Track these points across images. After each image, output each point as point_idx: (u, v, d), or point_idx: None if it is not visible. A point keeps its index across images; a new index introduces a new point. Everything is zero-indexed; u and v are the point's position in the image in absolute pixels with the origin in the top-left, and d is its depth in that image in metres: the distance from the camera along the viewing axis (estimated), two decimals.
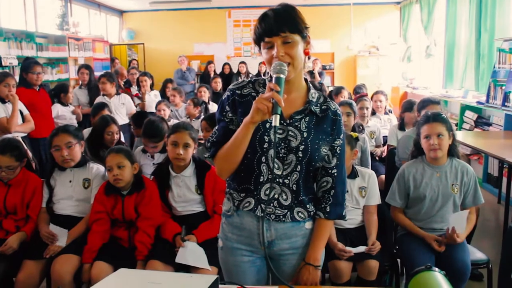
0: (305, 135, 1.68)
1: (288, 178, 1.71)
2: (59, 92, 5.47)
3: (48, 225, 2.81)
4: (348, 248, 2.65)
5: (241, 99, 1.71)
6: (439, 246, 2.64)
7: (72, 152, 2.88)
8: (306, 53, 1.68)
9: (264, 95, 1.52)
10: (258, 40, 1.67)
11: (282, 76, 1.56)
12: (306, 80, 1.77)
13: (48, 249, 2.70)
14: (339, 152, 1.77)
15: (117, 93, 5.60)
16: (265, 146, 1.66)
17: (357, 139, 2.99)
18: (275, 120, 1.50)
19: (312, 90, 1.75)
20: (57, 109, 5.36)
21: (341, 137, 1.76)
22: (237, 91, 1.73)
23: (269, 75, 1.63)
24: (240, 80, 1.82)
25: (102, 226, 2.76)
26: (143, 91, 6.45)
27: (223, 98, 1.77)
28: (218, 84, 7.95)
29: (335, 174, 1.78)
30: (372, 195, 2.89)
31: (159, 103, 5.53)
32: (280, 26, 1.60)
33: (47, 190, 2.93)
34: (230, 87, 1.77)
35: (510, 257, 2.12)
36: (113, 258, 2.64)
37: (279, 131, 1.68)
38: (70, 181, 2.92)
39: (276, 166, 1.69)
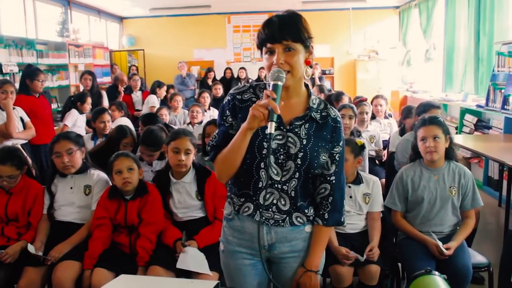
0: (304, 142, 1.69)
1: (287, 184, 1.71)
2: (77, 101, 5.41)
3: (46, 236, 2.84)
4: (352, 254, 2.65)
5: (241, 104, 1.72)
6: (440, 254, 2.63)
7: (72, 158, 2.88)
8: (308, 63, 1.68)
9: (260, 102, 1.53)
10: (260, 45, 1.68)
11: (279, 83, 1.57)
12: (306, 86, 1.78)
13: (49, 254, 2.70)
14: (338, 159, 1.77)
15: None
16: (264, 152, 1.66)
17: (362, 146, 2.98)
18: (271, 128, 1.51)
19: (313, 96, 1.76)
20: (76, 117, 5.29)
21: (340, 144, 1.76)
22: (237, 96, 1.74)
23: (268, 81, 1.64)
24: (241, 85, 1.83)
25: (103, 232, 2.76)
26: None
27: (224, 103, 1.78)
28: (218, 90, 7.96)
29: (333, 181, 1.77)
30: (376, 202, 2.90)
31: (160, 108, 5.55)
32: (283, 33, 1.60)
33: (48, 197, 2.93)
34: (231, 91, 1.78)
35: (511, 260, 2.12)
36: (114, 264, 2.64)
37: (278, 137, 1.69)
38: (71, 188, 2.93)
39: (275, 172, 1.70)
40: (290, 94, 1.71)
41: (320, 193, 1.79)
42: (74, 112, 5.33)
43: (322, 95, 6.26)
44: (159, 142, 3.40)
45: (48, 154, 2.97)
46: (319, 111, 1.74)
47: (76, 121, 5.31)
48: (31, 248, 2.70)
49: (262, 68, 9.79)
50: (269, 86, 1.59)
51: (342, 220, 1.83)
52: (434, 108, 3.80)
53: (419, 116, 3.75)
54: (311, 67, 1.72)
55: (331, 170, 1.77)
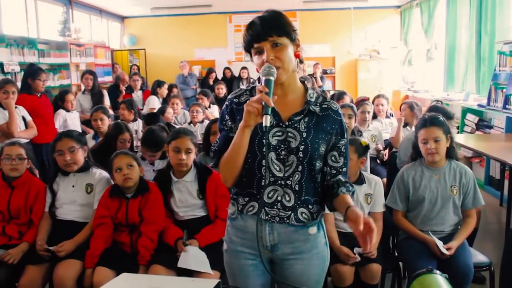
0: (304, 135, 1.70)
1: (290, 179, 1.72)
2: (59, 100, 5.47)
3: (47, 235, 2.85)
4: (353, 253, 2.65)
5: (238, 107, 1.75)
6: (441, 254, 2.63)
7: (74, 156, 2.89)
8: (297, 56, 1.71)
9: (253, 98, 1.57)
10: (248, 47, 1.71)
11: (271, 78, 1.60)
12: (303, 82, 1.80)
13: (56, 248, 2.71)
14: (344, 150, 1.79)
15: (134, 120, 5.23)
16: (264, 149, 1.68)
17: (367, 147, 2.98)
18: (266, 121, 1.54)
19: (310, 91, 1.77)
20: (63, 115, 5.35)
21: (345, 136, 1.79)
22: (234, 100, 1.78)
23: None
24: (238, 89, 1.86)
25: (105, 231, 2.77)
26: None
27: (223, 109, 1.82)
28: (221, 90, 7.95)
29: (345, 170, 1.80)
30: (377, 203, 2.90)
31: (165, 107, 5.53)
32: (267, 30, 1.64)
33: (49, 195, 2.94)
34: (229, 97, 1.82)
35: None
36: (115, 263, 2.64)
37: (278, 134, 1.70)
38: (73, 186, 2.93)
39: (277, 168, 1.71)
40: (286, 90, 1.74)
41: (334, 181, 1.78)
42: (61, 112, 5.37)
43: None
44: (160, 143, 3.40)
45: (50, 152, 2.99)
46: (318, 104, 1.75)
47: (65, 120, 5.35)
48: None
49: (244, 68, 9.89)
50: (261, 82, 1.61)
51: None
52: (447, 119, 3.63)
53: None
54: (301, 61, 1.75)
55: (341, 162, 1.79)
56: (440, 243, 2.65)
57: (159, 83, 7.15)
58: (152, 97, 6.79)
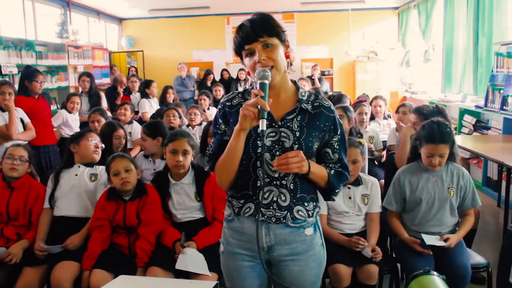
0: (297, 135, 1.71)
1: (285, 178, 1.73)
2: (65, 100, 5.58)
3: (46, 234, 2.87)
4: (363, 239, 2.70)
5: (231, 110, 1.76)
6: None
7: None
8: (287, 56, 1.73)
9: (249, 102, 1.57)
10: (238, 50, 1.73)
11: (266, 81, 1.61)
12: (294, 82, 1.82)
13: (66, 243, 2.76)
14: (337, 147, 1.79)
15: (129, 122, 5.15)
16: (259, 151, 1.69)
17: (363, 145, 3.02)
18: (262, 125, 1.55)
19: (302, 90, 1.79)
20: (63, 116, 5.40)
21: (338, 132, 1.78)
22: (227, 103, 1.79)
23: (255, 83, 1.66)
24: (230, 92, 1.87)
25: (102, 233, 2.77)
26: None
27: (216, 112, 1.83)
28: (219, 92, 7.94)
29: (339, 165, 1.79)
30: (374, 203, 2.91)
31: (169, 109, 5.45)
32: (257, 31, 1.66)
33: (51, 184, 2.98)
34: (222, 100, 1.83)
35: (509, 260, 2.12)
36: (113, 265, 2.64)
37: (271, 134, 1.71)
38: (76, 175, 2.99)
39: (272, 168, 1.71)
40: (278, 91, 1.75)
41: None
42: (62, 112, 5.44)
43: None
44: (157, 132, 3.46)
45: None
46: (310, 102, 1.76)
47: (65, 121, 5.40)
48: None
49: (242, 69, 9.77)
50: (256, 85, 1.61)
51: (336, 191, 1.81)
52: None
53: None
54: (291, 63, 1.77)
55: (335, 158, 1.79)
56: (430, 238, 2.67)
57: (146, 84, 6.77)
58: (143, 100, 6.53)
